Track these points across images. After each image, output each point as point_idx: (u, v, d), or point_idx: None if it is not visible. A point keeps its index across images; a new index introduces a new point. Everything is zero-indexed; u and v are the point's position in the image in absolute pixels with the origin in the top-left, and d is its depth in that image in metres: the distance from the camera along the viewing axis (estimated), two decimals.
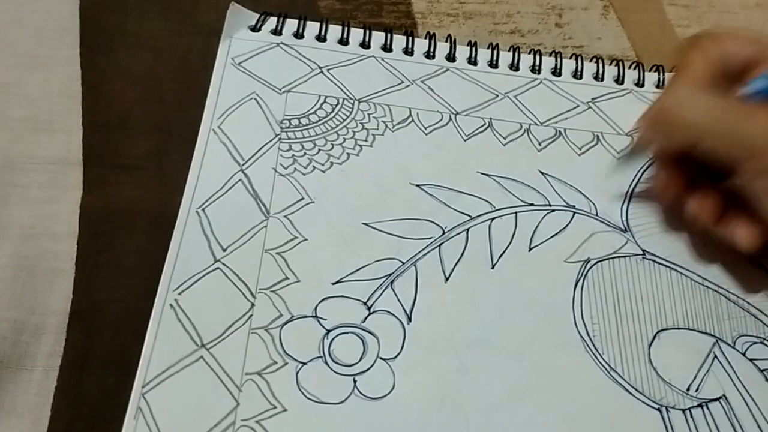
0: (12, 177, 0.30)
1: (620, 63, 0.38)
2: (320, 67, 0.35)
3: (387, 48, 0.36)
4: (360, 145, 0.33)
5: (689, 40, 0.31)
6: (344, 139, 0.33)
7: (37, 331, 0.26)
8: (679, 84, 0.30)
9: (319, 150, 0.32)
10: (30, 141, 0.31)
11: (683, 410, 0.28)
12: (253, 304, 0.28)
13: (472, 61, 0.37)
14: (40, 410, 0.25)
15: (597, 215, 0.33)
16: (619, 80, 0.38)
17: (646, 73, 0.38)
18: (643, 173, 0.34)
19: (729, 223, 0.29)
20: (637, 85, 0.38)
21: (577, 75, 0.37)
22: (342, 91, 0.34)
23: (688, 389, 0.28)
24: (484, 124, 0.35)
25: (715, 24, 0.41)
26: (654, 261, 0.32)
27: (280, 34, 0.36)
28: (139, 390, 0.25)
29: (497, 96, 0.36)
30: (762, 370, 0.29)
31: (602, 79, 0.38)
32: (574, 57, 0.38)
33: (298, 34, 0.36)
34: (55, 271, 0.28)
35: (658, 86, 0.38)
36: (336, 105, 0.34)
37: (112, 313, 0.27)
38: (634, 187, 0.34)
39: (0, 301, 0.27)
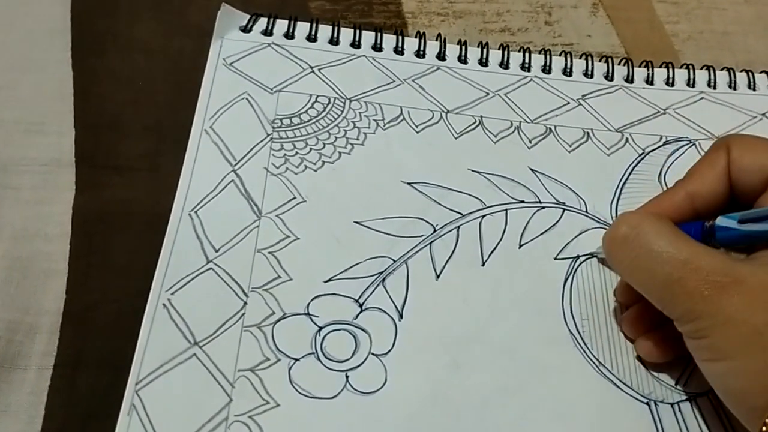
0: (4, 179, 0.30)
1: (609, 59, 0.38)
2: (311, 67, 0.35)
3: (377, 47, 0.37)
4: (351, 144, 0.33)
5: (719, 141, 0.29)
6: (336, 138, 0.33)
7: (31, 330, 0.27)
8: (650, 208, 0.28)
9: (311, 149, 0.33)
10: (22, 143, 0.31)
11: (671, 404, 0.28)
12: (245, 303, 0.28)
13: (463, 59, 0.37)
14: (34, 409, 0.25)
15: (587, 212, 0.33)
16: (609, 76, 0.38)
17: (635, 69, 0.38)
18: (633, 168, 0.34)
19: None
20: (626, 80, 0.38)
21: (567, 72, 0.38)
22: (333, 90, 0.35)
23: (676, 383, 0.29)
24: (475, 122, 0.35)
25: (702, 20, 0.41)
26: None
27: (270, 34, 0.36)
28: (132, 387, 0.25)
29: (487, 94, 0.36)
30: None
31: (592, 76, 0.38)
32: (563, 54, 0.38)
33: (289, 35, 0.36)
34: (48, 272, 0.28)
35: (647, 81, 0.38)
36: (327, 104, 0.34)
37: (105, 313, 0.28)
38: (624, 182, 0.34)
39: None
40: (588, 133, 0.36)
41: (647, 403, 0.28)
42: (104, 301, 0.28)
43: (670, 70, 0.38)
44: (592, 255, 0.31)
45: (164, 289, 0.27)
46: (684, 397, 0.28)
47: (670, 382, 0.28)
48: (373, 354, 0.28)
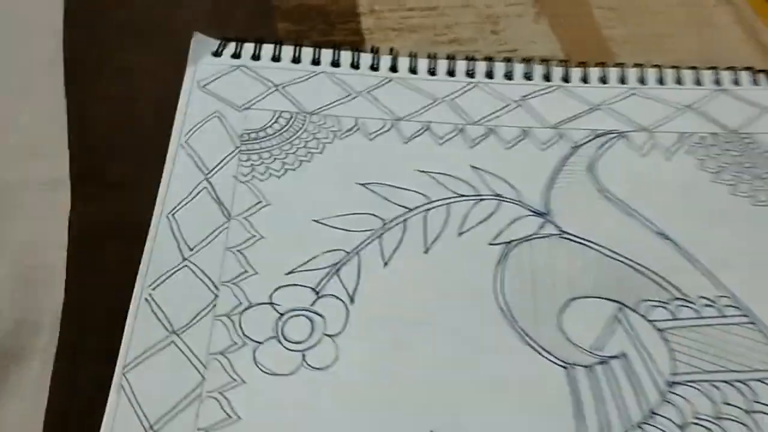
0: (8, 198, 0.35)
1: (548, 62, 0.42)
2: (276, 85, 0.40)
3: (335, 63, 0.41)
4: (311, 153, 0.38)
5: None
6: (297, 148, 0.38)
7: (35, 327, 0.32)
8: None
9: (275, 159, 0.37)
10: (23, 166, 0.36)
11: (586, 367, 0.32)
12: (216, 295, 0.33)
13: (413, 70, 0.42)
14: (39, 393, 0.30)
15: (521, 202, 0.37)
16: (548, 77, 0.42)
17: (571, 70, 0.42)
18: (566, 161, 0.39)
19: None
20: (563, 80, 0.42)
21: (509, 76, 0.42)
22: (295, 105, 0.39)
23: (592, 349, 0.33)
24: (422, 127, 0.39)
25: (637, 23, 0.45)
26: (569, 239, 0.36)
27: (239, 57, 0.41)
28: (120, 371, 0.30)
29: (435, 101, 0.40)
30: (660, 330, 0.33)
31: (532, 78, 0.42)
32: (505, 60, 0.42)
33: (255, 56, 0.41)
34: (49, 277, 0.33)
35: (583, 80, 0.42)
36: (290, 119, 0.39)
37: (99, 311, 0.33)
38: (556, 174, 0.38)
39: (2, 304, 0.32)
40: (526, 131, 0.40)
41: (565, 367, 0.32)
42: (98, 300, 0.33)
43: (604, 69, 0.42)
44: (526, 239, 0.36)
45: (146, 285, 0.32)
46: (598, 361, 0.32)
47: (585, 345, 0.33)
48: (326, 335, 0.32)
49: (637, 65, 0.42)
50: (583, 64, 0.42)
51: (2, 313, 0.32)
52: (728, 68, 0.43)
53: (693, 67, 0.43)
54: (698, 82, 0.42)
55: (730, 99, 0.42)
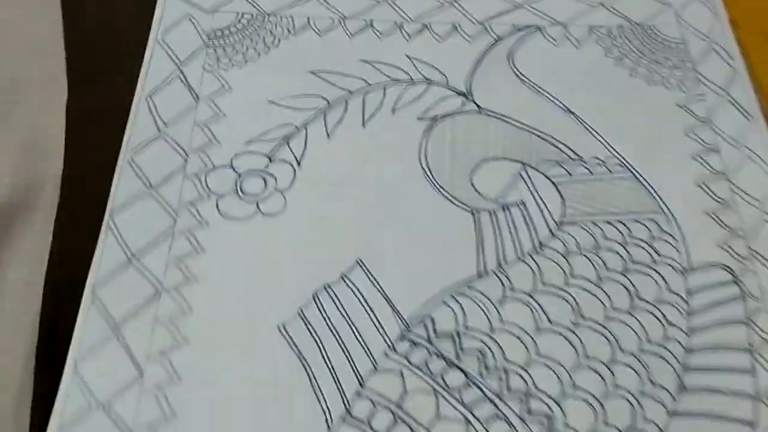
0: (18, 89, 0.42)
1: None
2: None
3: None
4: (268, 47, 0.45)
5: None
6: (256, 43, 0.45)
7: (41, 185, 0.39)
8: None
9: (237, 52, 0.44)
10: (28, 61, 0.43)
11: (489, 212, 0.39)
12: (186, 160, 0.40)
13: None
14: (40, 257, 0.38)
15: (448, 85, 0.44)
16: None
17: None
18: (488, 51, 0.45)
19: None
20: None
21: None
22: (255, 8, 0.46)
23: (496, 198, 0.40)
24: (366, 24, 0.46)
25: None
26: (486, 114, 0.43)
27: None
28: (108, 216, 0.38)
29: (378, 2, 0.47)
30: (555, 184, 0.40)
31: None
32: None
33: None
34: (51, 151, 0.40)
35: None
36: (251, 19, 0.46)
37: (91, 174, 0.40)
38: (480, 62, 0.45)
39: (15, 167, 0.39)
40: (455, 26, 0.46)
41: (472, 212, 0.39)
42: (91, 167, 0.40)
43: None
44: (449, 114, 0.42)
45: (128, 150, 0.40)
46: (500, 206, 0.39)
47: (491, 197, 0.40)
48: (276, 190, 0.40)
49: None
50: None
51: (16, 174, 0.39)
52: None
53: None
54: None
55: None
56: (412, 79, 0.44)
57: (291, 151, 0.41)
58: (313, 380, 0.34)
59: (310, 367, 0.34)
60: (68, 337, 0.34)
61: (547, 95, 0.43)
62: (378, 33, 0.45)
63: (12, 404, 0.33)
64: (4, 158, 0.40)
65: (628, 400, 0.34)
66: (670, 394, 0.34)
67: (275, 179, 0.40)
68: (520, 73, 0.44)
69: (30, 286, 0.37)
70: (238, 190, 0.39)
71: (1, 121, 0.41)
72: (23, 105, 0.42)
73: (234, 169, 0.40)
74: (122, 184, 0.39)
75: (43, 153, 0.40)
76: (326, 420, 0.33)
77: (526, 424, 0.33)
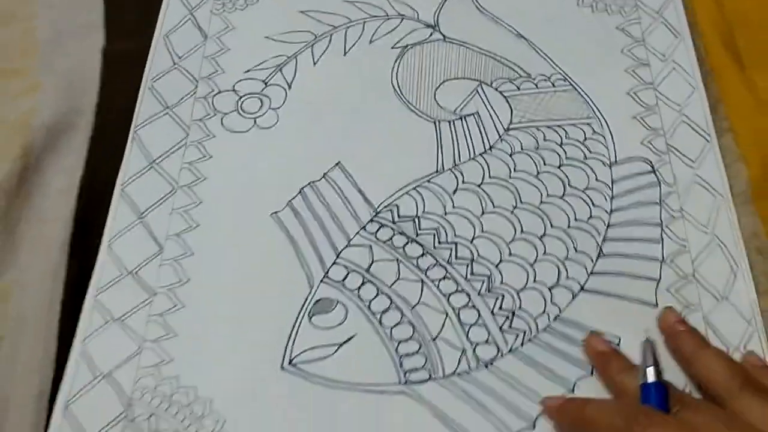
0: (61, 38, 0.50)
1: None
2: None
3: None
4: None
5: None
6: None
7: (80, 112, 0.47)
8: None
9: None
10: (69, 14, 0.52)
11: (449, 122, 0.47)
12: (196, 85, 0.48)
13: None
14: (78, 166, 0.46)
15: (418, 19, 0.51)
16: None
17: None
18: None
19: None
20: None
21: None
22: None
23: (454, 111, 0.48)
24: None
25: None
26: (451, 42, 0.50)
27: None
28: (133, 129, 0.46)
29: None
30: (505, 96, 0.48)
31: None
32: None
33: None
34: (88, 85, 0.49)
35: None
36: None
37: (117, 108, 0.49)
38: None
39: (59, 101, 0.48)
40: None
41: (434, 122, 0.47)
42: (120, 93, 0.49)
43: None
44: (418, 43, 0.50)
45: (149, 78, 0.48)
46: (457, 117, 0.47)
47: (450, 109, 0.47)
48: (271, 108, 0.48)
49: None
50: None
51: (62, 104, 0.48)
52: None
53: None
54: None
55: None
56: (387, 15, 0.51)
57: (283, 76, 0.49)
58: (299, 253, 0.42)
59: (297, 244, 0.42)
60: (100, 225, 0.42)
61: (503, 24, 0.51)
62: None
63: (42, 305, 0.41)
64: (54, 92, 0.48)
65: (555, 264, 0.41)
66: (591, 258, 0.42)
67: (270, 100, 0.48)
68: (481, 6, 0.51)
69: (67, 191, 0.45)
70: (239, 108, 0.47)
71: (48, 64, 0.49)
72: (66, 51, 0.50)
73: (236, 92, 0.48)
74: (144, 106, 0.47)
75: (82, 88, 0.49)
76: (308, 280, 0.41)
77: (470, 283, 0.41)
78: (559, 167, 0.45)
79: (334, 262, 0.41)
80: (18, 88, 0.48)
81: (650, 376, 0.35)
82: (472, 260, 0.41)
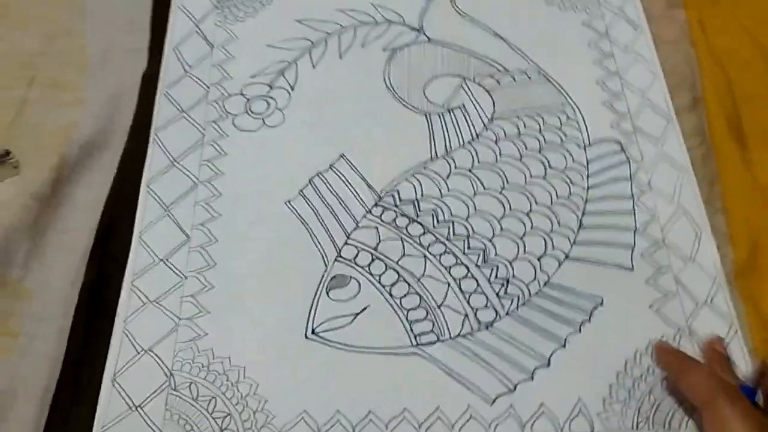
0: (109, 58, 0.54)
1: None
2: None
3: None
4: (263, 4, 0.57)
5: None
6: (253, 1, 0.58)
7: (113, 132, 0.52)
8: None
9: (240, 10, 0.57)
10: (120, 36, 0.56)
11: (439, 114, 0.52)
12: (207, 91, 0.53)
13: None
14: (106, 181, 0.50)
15: (404, 23, 0.57)
16: None
17: None
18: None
19: None
20: None
21: None
22: None
23: (443, 104, 0.53)
24: None
25: None
26: (435, 43, 0.56)
27: None
28: (154, 130, 0.51)
29: None
30: (487, 90, 0.53)
31: None
32: None
33: None
34: (126, 103, 0.53)
35: None
36: None
37: (139, 110, 0.53)
38: (428, 5, 0.57)
39: (104, 119, 0.52)
40: None
41: (425, 115, 0.52)
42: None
43: None
44: (406, 45, 0.55)
45: (164, 86, 0.53)
46: (445, 110, 0.52)
47: (439, 103, 0.53)
48: (277, 108, 0.53)
49: None
50: None
51: (99, 120, 0.51)
52: None
53: None
54: None
55: None
56: (376, 21, 0.56)
57: (286, 80, 0.54)
58: (313, 236, 0.47)
59: (311, 228, 0.47)
60: (128, 223, 0.47)
61: (481, 25, 0.56)
62: None
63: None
64: (96, 109, 0.51)
65: (542, 237, 0.47)
66: (573, 230, 0.47)
67: (275, 101, 0.53)
68: (460, 10, 0.57)
69: (93, 204, 0.48)
70: (248, 110, 0.52)
71: (95, 82, 0.52)
72: (112, 71, 0.54)
73: (244, 96, 0.53)
74: (162, 110, 0.52)
75: (120, 108, 0.52)
76: (323, 260, 0.46)
77: (467, 256, 0.46)
78: (539, 151, 0.50)
79: (345, 243, 0.46)
80: (64, 100, 0.51)
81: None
82: (468, 236, 0.46)
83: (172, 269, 0.45)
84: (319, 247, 0.46)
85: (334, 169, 0.49)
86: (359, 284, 0.45)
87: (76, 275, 0.45)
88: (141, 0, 0.57)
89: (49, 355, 0.43)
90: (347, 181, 0.49)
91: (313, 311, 0.44)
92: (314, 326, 0.43)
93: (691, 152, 0.50)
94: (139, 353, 0.42)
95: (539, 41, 0.55)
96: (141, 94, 0.52)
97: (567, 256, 0.46)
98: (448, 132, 0.51)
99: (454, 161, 0.50)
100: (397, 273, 0.45)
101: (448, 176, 0.49)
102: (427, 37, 0.55)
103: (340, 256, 0.46)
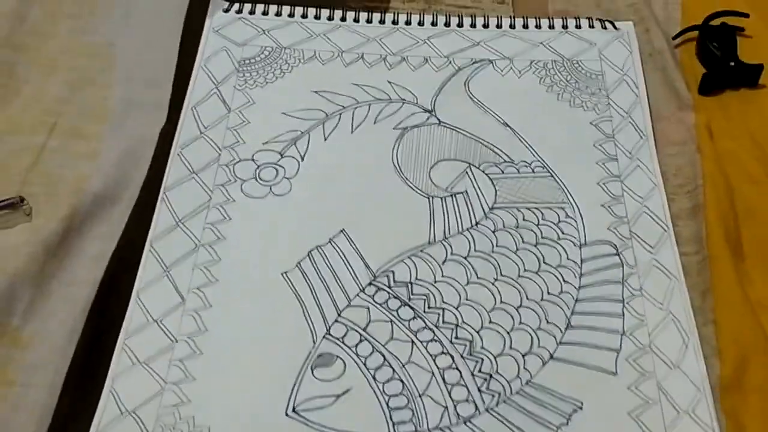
0: (130, 110, 0.56)
1: (449, 14, 0.63)
2: (263, 30, 0.61)
3: (304, 15, 0.62)
4: (284, 72, 0.59)
5: None
6: (275, 69, 0.59)
7: (126, 186, 0.54)
8: None
9: (260, 76, 0.59)
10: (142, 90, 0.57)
11: (441, 198, 0.54)
12: (219, 154, 0.55)
13: (356, 19, 0.63)
14: (113, 236, 0.52)
15: (417, 103, 0.58)
16: (447, 24, 0.63)
17: (464, 18, 0.63)
18: (451, 78, 0.59)
19: None
20: (458, 26, 0.63)
21: (421, 23, 0.63)
22: (275, 42, 0.61)
23: (446, 188, 0.54)
24: (358, 56, 0.60)
25: None
26: (444, 126, 0.57)
27: (240, 12, 0.62)
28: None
29: (367, 39, 0.61)
30: (491, 179, 0.54)
31: (436, 24, 0.63)
32: (421, 12, 0.63)
33: (252, 12, 0.62)
34: (141, 159, 0.54)
35: (471, 26, 0.62)
36: (271, 51, 0.60)
37: (166, 148, 0.55)
38: (443, 86, 0.59)
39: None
40: (427, 59, 0.61)
41: (427, 198, 0.54)
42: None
43: (485, 17, 0.63)
44: (416, 126, 0.57)
45: (178, 145, 0.54)
46: (448, 195, 0.54)
47: (443, 187, 0.54)
48: (285, 177, 0.54)
49: (510, 16, 0.62)
50: (472, 15, 0.62)
51: (114, 172, 0.52)
52: (575, 17, 0.63)
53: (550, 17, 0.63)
54: (551, 26, 0.62)
55: (570, 37, 0.62)
56: (390, 98, 0.58)
57: (297, 149, 0.55)
58: (305, 311, 0.48)
59: (303, 302, 0.48)
60: (130, 280, 0.48)
61: (492, 113, 0.57)
62: (367, 63, 0.60)
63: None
64: (112, 161, 0.53)
65: (529, 333, 0.48)
66: (560, 329, 0.48)
67: (284, 170, 0.54)
68: (473, 96, 0.58)
69: (100, 258, 0.49)
70: (257, 176, 0.54)
71: (113, 133, 0.54)
72: (132, 124, 0.55)
73: (254, 162, 0.54)
74: (173, 169, 0.53)
75: (135, 163, 0.53)
76: (312, 335, 0.47)
77: (454, 346, 0.47)
78: (535, 245, 0.51)
79: (336, 320, 0.47)
80: (81, 150, 0.53)
81: None
82: (457, 325, 0.47)
83: (164, 331, 0.46)
84: (310, 322, 0.47)
85: (333, 244, 0.50)
86: (345, 365, 0.46)
87: (74, 328, 0.46)
88: (168, 55, 0.59)
89: (40, 406, 0.43)
90: (345, 258, 0.50)
91: (296, 388, 0.45)
92: (295, 404, 0.44)
93: (687, 259, 0.51)
94: (122, 413, 0.43)
95: (547, 137, 0.56)
96: (157, 150, 0.54)
97: (552, 356, 0.46)
98: (448, 216, 0.52)
99: (451, 247, 0.51)
100: (383, 356, 0.46)
101: (443, 262, 0.50)
102: (438, 120, 0.57)
103: (329, 334, 0.47)
